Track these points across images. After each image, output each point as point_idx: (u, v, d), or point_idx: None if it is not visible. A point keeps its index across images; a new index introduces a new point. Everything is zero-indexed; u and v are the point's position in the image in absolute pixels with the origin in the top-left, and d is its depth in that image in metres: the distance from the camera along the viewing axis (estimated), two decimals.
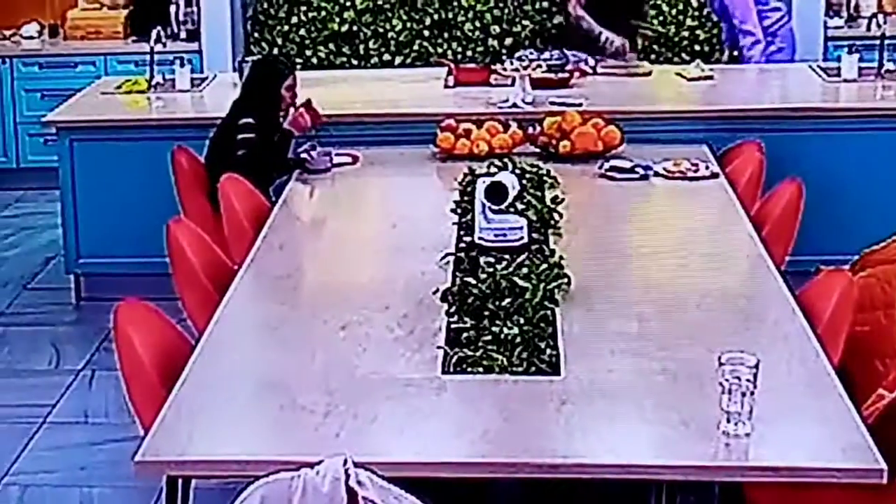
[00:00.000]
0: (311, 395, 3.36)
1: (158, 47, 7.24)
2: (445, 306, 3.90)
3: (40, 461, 5.04)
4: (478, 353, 3.51)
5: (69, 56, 8.72)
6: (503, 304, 3.78)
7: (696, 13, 8.76)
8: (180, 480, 3.53)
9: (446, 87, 6.94)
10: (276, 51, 8.80)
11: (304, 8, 8.78)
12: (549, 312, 3.78)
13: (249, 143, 5.67)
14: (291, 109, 5.85)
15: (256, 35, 8.91)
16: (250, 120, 5.71)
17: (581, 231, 4.76)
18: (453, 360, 3.51)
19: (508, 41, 8.83)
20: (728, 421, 3.07)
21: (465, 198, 5.00)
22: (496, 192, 4.38)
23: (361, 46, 8.87)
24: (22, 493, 4.81)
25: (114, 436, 5.12)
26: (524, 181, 5.04)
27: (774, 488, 3.19)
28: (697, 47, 8.75)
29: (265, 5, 8.94)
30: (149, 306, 3.90)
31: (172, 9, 8.88)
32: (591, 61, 7.17)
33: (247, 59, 6.97)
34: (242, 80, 6.39)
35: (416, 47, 8.93)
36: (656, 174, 5.42)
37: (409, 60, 8.87)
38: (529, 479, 3.09)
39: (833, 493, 3.16)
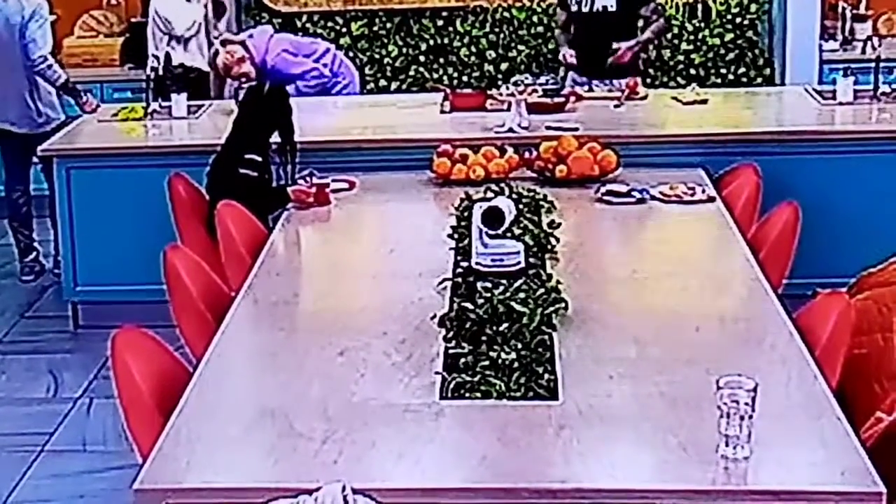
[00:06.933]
0: (309, 421, 3.35)
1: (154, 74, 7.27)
2: (443, 332, 3.89)
3: (39, 490, 5.04)
4: (476, 379, 3.51)
5: None
6: (501, 329, 3.78)
7: (692, 37, 8.79)
8: None
9: (442, 112, 6.95)
10: None
11: (299, 34, 8.80)
12: (546, 337, 3.78)
13: (249, 180, 5.65)
14: (302, 183, 5.70)
15: None
16: (257, 157, 5.69)
17: (578, 255, 4.76)
18: (451, 385, 3.50)
19: (504, 66, 8.86)
20: (727, 444, 3.07)
21: (462, 223, 5.00)
22: (493, 217, 4.38)
23: (357, 73, 8.89)
24: None
25: (112, 464, 5.11)
26: (521, 206, 5.04)
27: None
28: (693, 71, 8.78)
29: None
30: (146, 334, 3.89)
31: None
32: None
33: (243, 85, 6.98)
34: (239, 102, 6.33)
35: (412, 73, 8.97)
36: (653, 198, 5.43)
37: (405, 86, 8.91)
38: None
39: None
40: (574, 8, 7.48)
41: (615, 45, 7.30)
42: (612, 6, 7.36)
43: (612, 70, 7.38)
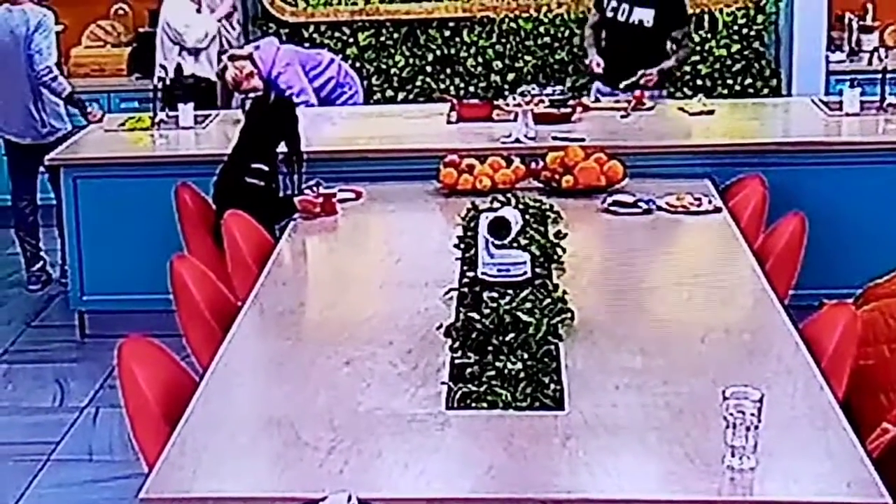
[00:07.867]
0: (315, 430, 3.35)
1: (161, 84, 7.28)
2: (449, 341, 3.90)
3: (44, 499, 5.04)
4: (482, 389, 3.51)
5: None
6: (507, 339, 3.78)
7: (698, 48, 8.78)
8: None
9: (449, 122, 6.96)
10: None
11: (306, 45, 8.81)
12: (552, 347, 3.78)
13: (255, 189, 5.65)
14: (309, 192, 5.72)
15: None
16: (263, 167, 5.70)
17: (584, 266, 4.76)
18: (457, 395, 3.50)
19: (511, 76, 8.86)
20: (732, 455, 3.07)
21: (469, 233, 5.00)
22: (499, 227, 4.38)
23: (364, 83, 8.89)
24: None
25: (118, 473, 5.12)
26: (527, 216, 5.04)
27: None
28: (699, 82, 8.77)
29: None
30: (153, 343, 3.90)
31: None
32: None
33: (250, 95, 6.99)
34: (246, 112, 6.33)
35: (418, 83, 8.96)
36: (659, 209, 5.43)
37: (411, 96, 8.91)
38: None
39: None
40: (609, 14, 7.45)
41: (647, 71, 7.27)
42: (648, 22, 7.32)
43: (636, 83, 7.35)
